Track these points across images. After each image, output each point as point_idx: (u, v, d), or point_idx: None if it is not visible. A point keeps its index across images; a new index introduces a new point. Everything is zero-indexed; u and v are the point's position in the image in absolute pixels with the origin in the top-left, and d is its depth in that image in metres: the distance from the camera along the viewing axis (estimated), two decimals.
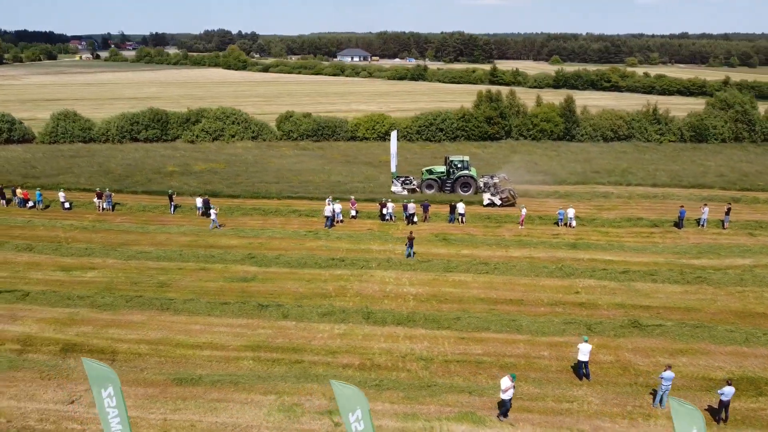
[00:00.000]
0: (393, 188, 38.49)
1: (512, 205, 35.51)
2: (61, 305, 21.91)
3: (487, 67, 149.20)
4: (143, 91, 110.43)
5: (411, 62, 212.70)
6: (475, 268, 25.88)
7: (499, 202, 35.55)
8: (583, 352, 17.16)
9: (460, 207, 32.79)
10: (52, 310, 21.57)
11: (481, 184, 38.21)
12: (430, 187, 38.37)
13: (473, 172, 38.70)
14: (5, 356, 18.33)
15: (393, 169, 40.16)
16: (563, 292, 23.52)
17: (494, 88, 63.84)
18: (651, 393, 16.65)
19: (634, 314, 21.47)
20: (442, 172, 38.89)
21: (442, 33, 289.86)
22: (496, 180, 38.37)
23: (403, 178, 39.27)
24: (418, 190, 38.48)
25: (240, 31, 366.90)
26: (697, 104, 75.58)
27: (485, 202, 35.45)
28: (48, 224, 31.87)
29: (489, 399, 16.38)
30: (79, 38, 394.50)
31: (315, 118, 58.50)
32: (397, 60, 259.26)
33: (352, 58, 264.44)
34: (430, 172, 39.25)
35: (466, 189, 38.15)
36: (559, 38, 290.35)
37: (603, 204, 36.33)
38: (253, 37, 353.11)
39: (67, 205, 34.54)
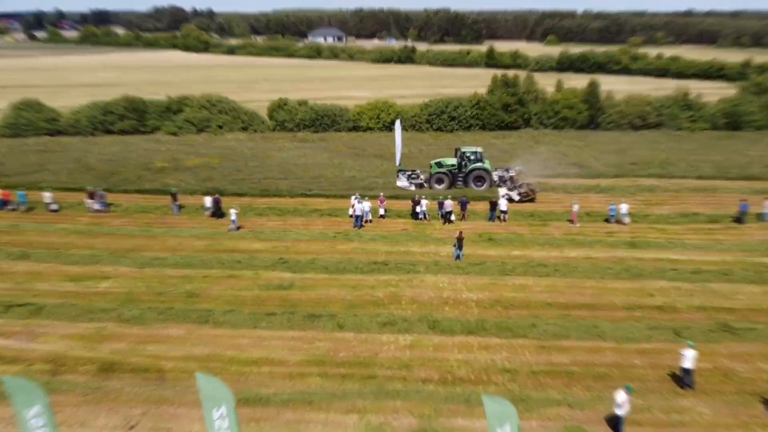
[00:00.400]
0: (398, 183, 38.66)
1: (532, 200, 36.12)
2: (83, 320, 21.64)
3: (483, 48, 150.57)
4: (99, 77, 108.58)
5: (392, 42, 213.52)
6: (533, 271, 26.37)
7: (517, 198, 36.05)
8: (689, 358, 17.71)
9: (503, 204, 33.25)
10: (74, 325, 21.30)
11: (496, 178, 38.67)
12: (440, 181, 38.67)
13: (487, 164, 38.98)
14: (38, 378, 18.04)
15: (398, 162, 40.42)
16: (636, 294, 24.12)
17: (511, 72, 64.67)
18: (762, 401, 17.30)
19: (719, 317, 22.16)
20: (453, 165, 39.09)
21: (425, 10, 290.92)
22: (512, 173, 38.83)
23: (410, 172, 39.52)
24: (426, 185, 38.83)
25: (194, 8, 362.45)
26: (718, 89, 77.90)
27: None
28: (39, 228, 31.33)
29: (592, 412, 16.83)
30: (7, 16, 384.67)
31: (312, 106, 58.51)
32: (375, 40, 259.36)
33: (326, 38, 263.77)
34: (439, 165, 39.31)
35: (480, 183, 38.46)
36: (555, 16, 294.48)
37: (651, 199, 37.24)
38: (210, 14, 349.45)
39: (54, 206, 33.94)
